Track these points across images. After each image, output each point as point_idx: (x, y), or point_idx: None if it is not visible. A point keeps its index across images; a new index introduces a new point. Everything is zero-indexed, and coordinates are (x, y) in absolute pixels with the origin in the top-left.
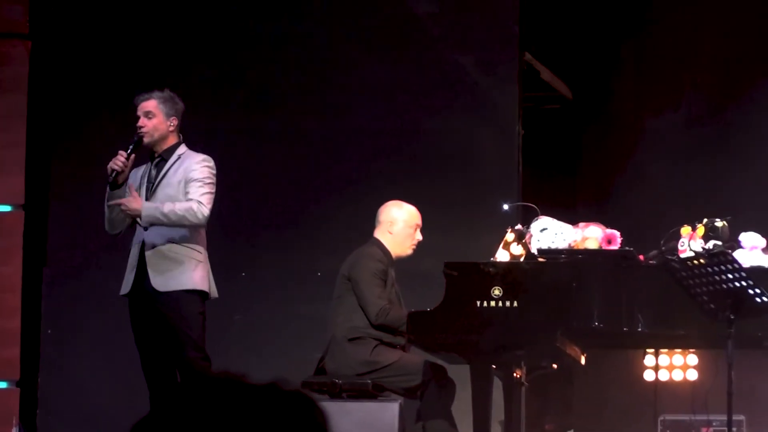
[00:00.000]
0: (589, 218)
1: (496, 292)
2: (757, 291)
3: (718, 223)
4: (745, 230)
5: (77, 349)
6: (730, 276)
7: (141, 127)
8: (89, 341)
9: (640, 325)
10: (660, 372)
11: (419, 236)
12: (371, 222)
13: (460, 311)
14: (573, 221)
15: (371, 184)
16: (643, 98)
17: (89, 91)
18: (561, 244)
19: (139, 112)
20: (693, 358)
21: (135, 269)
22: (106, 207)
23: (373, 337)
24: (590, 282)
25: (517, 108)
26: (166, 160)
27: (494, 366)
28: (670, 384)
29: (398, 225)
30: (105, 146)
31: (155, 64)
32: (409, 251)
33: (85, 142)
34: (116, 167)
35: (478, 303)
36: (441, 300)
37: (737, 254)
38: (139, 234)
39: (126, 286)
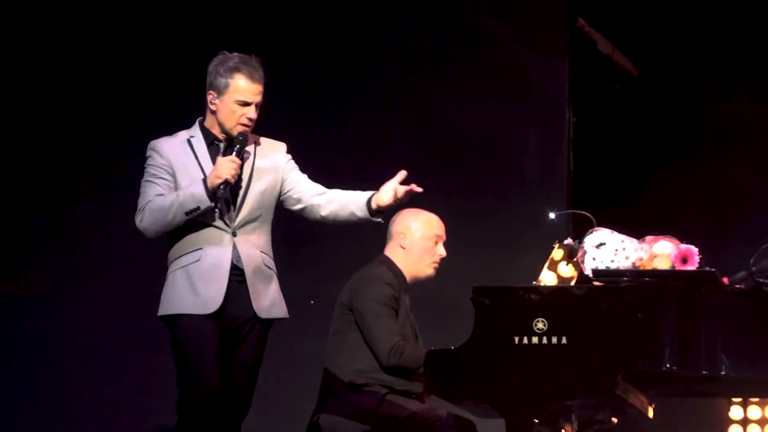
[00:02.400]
0: (659, 230)
1: (540, 325)
2: None
3: None
4: None
5: (36, 402)
6: None
7: (251, 120)
8: (53, 393)
9: (723, 367)
10: (749, 427)
11: (441, 251)
12: (381, 237)
13: (493, 350)
14: (638, 234)
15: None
16: (728, 75)
17: (63, 69)
18: (623, 263)
19: (251, 98)
20: None
21: (226, 286)
22: (180, 215)
23: (383, 383)
24: (660, 312)
25: (567, 89)
26: (240, 146)
27: (536, 420)
28: None
29: (413, 237)
30: (84, 135)
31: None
32: (428, 271)
33: (60, 131)
34: (231, 179)
35: (517, 339)
36: (469, 335)
37: None
38: (222, 239)
39: (207, 304)
